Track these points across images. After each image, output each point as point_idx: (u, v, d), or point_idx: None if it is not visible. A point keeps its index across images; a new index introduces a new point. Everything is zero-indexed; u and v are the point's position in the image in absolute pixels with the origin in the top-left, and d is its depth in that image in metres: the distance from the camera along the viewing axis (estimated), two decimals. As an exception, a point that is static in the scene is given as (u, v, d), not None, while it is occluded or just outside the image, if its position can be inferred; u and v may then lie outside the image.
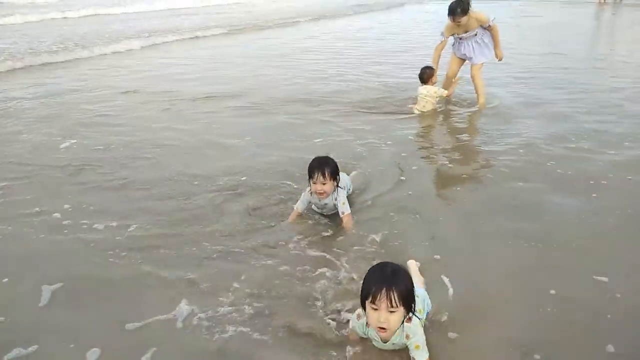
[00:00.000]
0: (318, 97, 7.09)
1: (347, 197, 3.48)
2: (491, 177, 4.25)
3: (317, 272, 2.91)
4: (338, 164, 3.34)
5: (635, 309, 2.54)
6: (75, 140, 5.50)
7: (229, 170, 4.51)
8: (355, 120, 5.97)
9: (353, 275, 2.85)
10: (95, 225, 3.57)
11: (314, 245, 3.21)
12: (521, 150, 4.75)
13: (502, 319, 2.49)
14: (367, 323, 2.10)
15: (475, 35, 5.97)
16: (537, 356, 2.24)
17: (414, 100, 6.13)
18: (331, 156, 3.39)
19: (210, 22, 19.19)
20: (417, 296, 2.10)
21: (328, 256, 3.07)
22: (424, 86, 5.92)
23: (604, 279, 2.77)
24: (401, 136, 5.34)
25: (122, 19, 21.01)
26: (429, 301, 2.44)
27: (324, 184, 3.16)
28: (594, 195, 3.78)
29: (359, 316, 2.20)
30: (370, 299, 1.96)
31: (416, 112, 5.99)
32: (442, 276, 2.83)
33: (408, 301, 1.98)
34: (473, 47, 6.04)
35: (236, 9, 26.55)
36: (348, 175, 3.89)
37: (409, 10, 23.98)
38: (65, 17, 21.36)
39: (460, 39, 6.01)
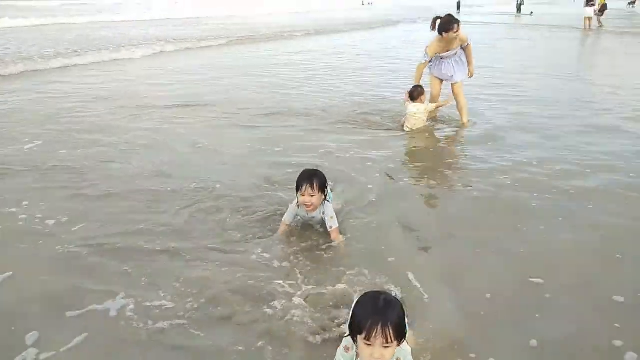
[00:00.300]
0: (305, 110, 7.13)
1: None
2: (477, 194, 4.20)
3: (272, 283, 2.87)
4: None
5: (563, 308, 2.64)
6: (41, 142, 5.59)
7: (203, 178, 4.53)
8: (342, 134, 6.00)
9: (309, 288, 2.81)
10: (47, 221, 3.65)
11: (282, 255, 3.18)
12: (507, 171, 4.72)
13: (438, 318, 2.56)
14: (356, 354, 1.96)
15: (456, 54, 6.17)
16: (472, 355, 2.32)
17: (404, 118, 6.16)
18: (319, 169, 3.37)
19: (206, 32, 19.45)
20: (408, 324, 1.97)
21: (287, 265, 3.06)
22: (414, 104, 5.97)
23: (540, 280, 2.88)
24: (389, 152, 5.31)
25: (112, 27, 21.26)
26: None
27: (312, 195, 3.14)
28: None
29: (347, 349, 2.01)
30: (364, 335, 1.78)
31: (406, 129, 6.03)
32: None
33: (402, 334, 1.84)
34: (453, 66, 6.22)
35: (233, 21, 26.94)
36: (331, 190, 3.80)
37: (402, 29, 24.46)
38: (67, 23, 21.54)
39: (442, 58, 6.17)
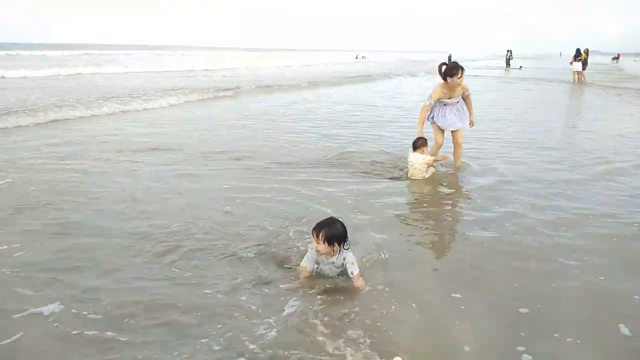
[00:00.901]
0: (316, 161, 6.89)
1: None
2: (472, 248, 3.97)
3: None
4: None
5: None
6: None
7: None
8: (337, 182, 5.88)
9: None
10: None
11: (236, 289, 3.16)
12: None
13: None
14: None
15: (458, 102, 6.32)
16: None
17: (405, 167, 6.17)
18: (341, 220, 3.30)
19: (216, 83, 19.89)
20: None
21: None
22: (414, 154, 6.01)
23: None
24: (387, 200, 5.17)
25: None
26: None
27: (317, 243, 3.16)
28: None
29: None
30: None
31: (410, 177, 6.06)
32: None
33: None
34: (455, 114, 6.34)
35: (246, 72, 27.60)
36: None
37: (404, 81, 25.21)
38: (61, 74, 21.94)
39: (445, 104, 6.28)
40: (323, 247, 3.17)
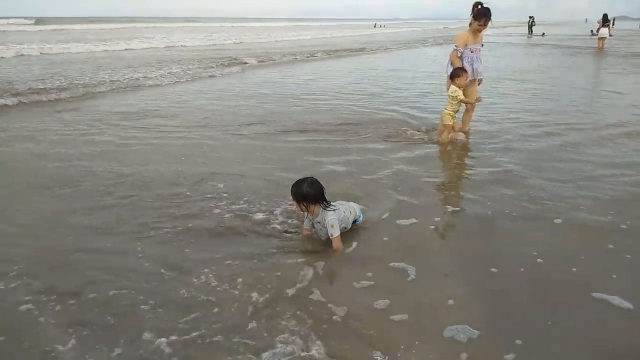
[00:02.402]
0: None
1: (357, 225, 3.54)
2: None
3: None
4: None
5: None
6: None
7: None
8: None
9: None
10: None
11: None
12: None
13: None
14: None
15: (480, 50, 6.23)
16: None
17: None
18: (314, 179, 3.31)
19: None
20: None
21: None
22: (451, 85, 5.96)
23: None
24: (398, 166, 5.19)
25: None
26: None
27: (293, 204, 3.32)
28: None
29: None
30: None
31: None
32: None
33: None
34: (480, 62, 6.24)
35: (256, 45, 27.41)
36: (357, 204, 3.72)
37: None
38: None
39: (472, 51, 6.12)
40: (297, 206, 3.31)
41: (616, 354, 2.30)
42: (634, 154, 5.55)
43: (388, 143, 6.08)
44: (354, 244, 3.37)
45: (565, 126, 6.91)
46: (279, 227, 3.65)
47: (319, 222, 3.36)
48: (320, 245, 3.36)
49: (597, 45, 23.03)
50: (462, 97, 5.85)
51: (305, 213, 3.37)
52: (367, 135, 6.47)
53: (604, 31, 23.12)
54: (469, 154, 5.73)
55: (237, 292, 2.78)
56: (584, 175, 4.80)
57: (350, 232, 3.49)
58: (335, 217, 3.29)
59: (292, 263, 3.12)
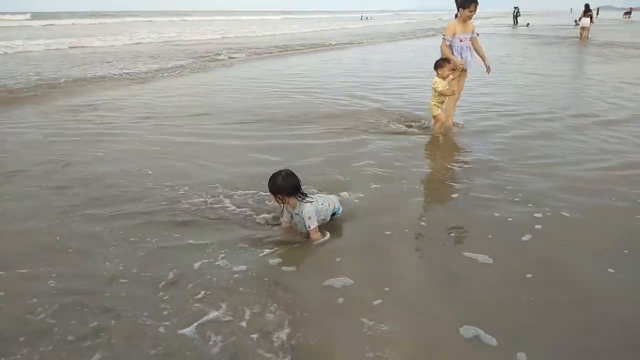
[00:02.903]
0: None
1: (336, 217, 3.57)
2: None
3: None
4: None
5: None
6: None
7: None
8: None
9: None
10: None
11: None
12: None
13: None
14: None
15: (470, 39, 6.13)
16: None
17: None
18: (289, 172, 3.35)
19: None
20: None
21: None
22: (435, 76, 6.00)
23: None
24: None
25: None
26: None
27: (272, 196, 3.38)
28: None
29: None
30: None
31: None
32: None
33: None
34: (469, 52, 6.15)
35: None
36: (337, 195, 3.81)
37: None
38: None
39: (461, 41, 6.06)
40: (274, 199, 3.35)
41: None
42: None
43: (370, 134, 6.16)
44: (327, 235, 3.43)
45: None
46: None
47: (297, 214, 3.41)
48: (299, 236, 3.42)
49: (579, 35, 23.43)
50: (440, 88, 5.89)
51: (282, 205, 3.41)
52: (348, 127, 6.53)
53: (586, 21, 23.47)
54: (452, 146, 5.82)
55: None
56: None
57: (328, 223, 3.54)
58: (312, 208, 3.33)
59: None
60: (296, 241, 3.36)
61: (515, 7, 43.63)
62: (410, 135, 6.17)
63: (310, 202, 3.35)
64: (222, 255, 3.11)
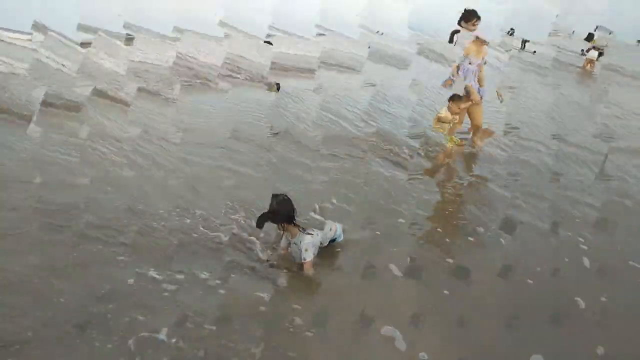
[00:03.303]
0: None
1: (334, 243, 3.70)
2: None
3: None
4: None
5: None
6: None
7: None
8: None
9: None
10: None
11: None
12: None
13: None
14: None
15: (477, 65, 6.04)
16: None
17: None
18: (286, 198, 3.46)
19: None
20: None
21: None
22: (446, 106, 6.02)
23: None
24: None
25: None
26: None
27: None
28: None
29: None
30: None
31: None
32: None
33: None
34: (474, 77, 6.05)
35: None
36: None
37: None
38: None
39: (470, 63, 6.00)
40: (278, 225, 3.46)
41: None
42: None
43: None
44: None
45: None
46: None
47: (295, 244, 3.51)
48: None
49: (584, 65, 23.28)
50: (442, 114, 5.94)
51: (282, 232, 3.52)
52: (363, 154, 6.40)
53: (593, 53, 23.36)
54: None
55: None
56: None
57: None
58: (311, 242, 3.44)
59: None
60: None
61: (511, 29, 43.54)
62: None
63: (311, 234, 3.45)
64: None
